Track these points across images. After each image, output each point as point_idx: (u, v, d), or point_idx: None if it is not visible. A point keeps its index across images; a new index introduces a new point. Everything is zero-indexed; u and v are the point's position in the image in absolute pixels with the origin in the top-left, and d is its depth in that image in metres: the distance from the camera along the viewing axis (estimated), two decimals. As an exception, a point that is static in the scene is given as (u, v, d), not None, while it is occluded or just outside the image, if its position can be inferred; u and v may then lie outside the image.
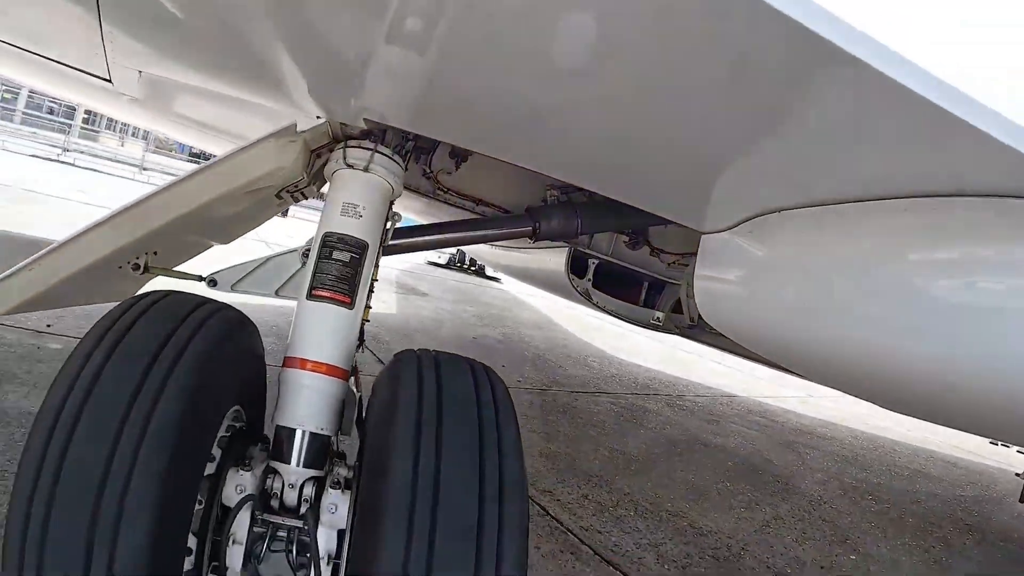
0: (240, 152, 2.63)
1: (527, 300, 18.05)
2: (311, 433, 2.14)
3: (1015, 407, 1.72)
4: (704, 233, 2.68)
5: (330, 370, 2.23)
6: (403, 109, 2.44)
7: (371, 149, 2.51)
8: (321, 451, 2.16)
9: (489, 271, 22.11)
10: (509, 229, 3.87)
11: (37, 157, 26.74)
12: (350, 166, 2.51)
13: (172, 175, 24.89)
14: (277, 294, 2.73)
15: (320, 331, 2.29)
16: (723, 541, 4.45)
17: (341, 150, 2.52)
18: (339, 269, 2.36)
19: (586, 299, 4.57)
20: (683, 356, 12.61)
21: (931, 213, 1.64)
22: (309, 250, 2.60)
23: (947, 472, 7.85)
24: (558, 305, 16.07)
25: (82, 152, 30.93)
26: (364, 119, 2.50)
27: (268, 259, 2.73)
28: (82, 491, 1.55)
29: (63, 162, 27.38)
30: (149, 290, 2.11)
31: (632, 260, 4.20)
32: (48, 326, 5.44)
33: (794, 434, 8.37)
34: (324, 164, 2.78)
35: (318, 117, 2.63)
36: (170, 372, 1.77)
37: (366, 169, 2.50)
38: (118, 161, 31.45)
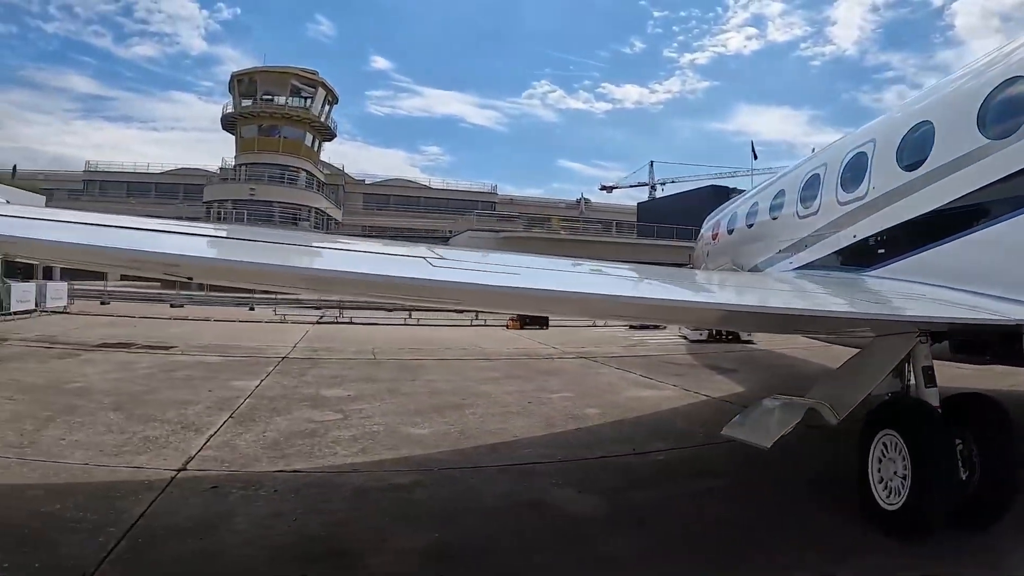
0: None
1: (784, 352, 22.10)
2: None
3: None
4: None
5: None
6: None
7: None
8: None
9: (744, 336, 24.97)
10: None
11: (321, 323, 30.28)
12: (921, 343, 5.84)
13: (436, 323, 28.28)
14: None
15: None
16: None
17: (918, 338, 5.79)
18: None
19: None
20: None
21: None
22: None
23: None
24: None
25: (331, 307, 34.68)
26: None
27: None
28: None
29: (344, 323, 30.83)
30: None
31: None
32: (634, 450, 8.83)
33: None
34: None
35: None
36: None
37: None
38: (372, 308, 34.82)
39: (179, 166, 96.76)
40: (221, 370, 14.96)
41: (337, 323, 30.91)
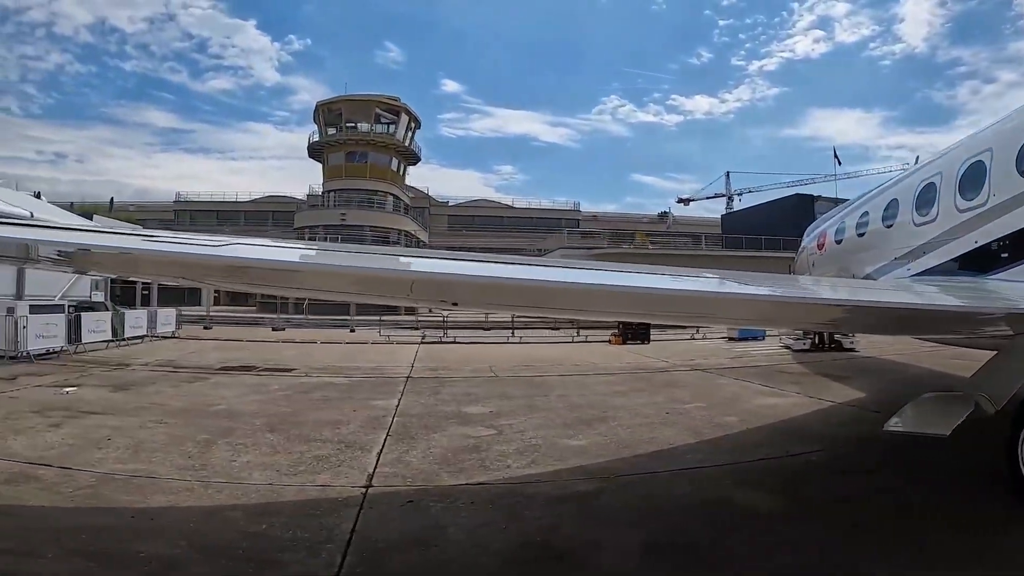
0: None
1: (889, 358, 22.25)
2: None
3: None
4: None
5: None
6: None
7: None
8: None
9: (846, 343, 25.58)
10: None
11: (425, 343, 30.43)
12: None
13: (537, 340, 28.21)
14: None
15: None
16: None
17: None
18: None
19: None
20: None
21: None
22: None
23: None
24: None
25: (431, 327, 34.81)
26: None
27: None
28: None
29: (448, 342, 30.92)
30: None
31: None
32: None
33: None
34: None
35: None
36: None
37: None
38: (470, 328, 35.02)
39: (266, 194, 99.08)
40: (353, 390, 15.25)
41: (442, 343, 30.94)
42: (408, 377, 17.75)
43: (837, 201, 69.94)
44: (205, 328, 37.30)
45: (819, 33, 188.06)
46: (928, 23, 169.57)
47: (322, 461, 8.66)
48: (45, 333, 21.08)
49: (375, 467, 8.41)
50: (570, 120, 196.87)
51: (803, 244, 19.30)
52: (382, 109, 70.73)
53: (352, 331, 37.37)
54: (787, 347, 27.19)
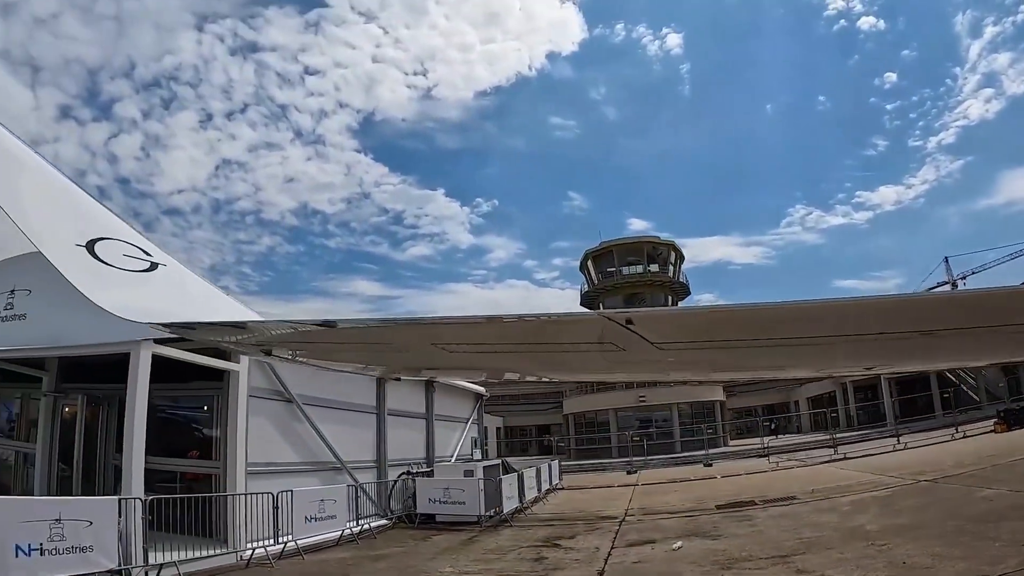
0: None
1: None
2: None
3: None
4: None
5: None
6: None
7: None
8: None
9: None
10: None
11: (813, 464, 31.88)
12: None
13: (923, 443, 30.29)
14: None
15: None
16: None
17: None
18: None
19: None
20: None
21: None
22: None
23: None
24: None
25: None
26: None
27: None
28: None
29: (839, 459, 32.21)
30: None
31: None
32: None
33: None
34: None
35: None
36: None
37: None
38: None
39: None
40: (950, 503, 16.81)
41: (832, 460, 33.07)
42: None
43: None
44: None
45: (988, 91, 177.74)
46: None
47: None
48: (510, 494, 22.89)
49: None
50: (761, 238, 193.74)
51: None
52: (652, 249, 73.70)
53: (708, 465, 39.51)
54: None
